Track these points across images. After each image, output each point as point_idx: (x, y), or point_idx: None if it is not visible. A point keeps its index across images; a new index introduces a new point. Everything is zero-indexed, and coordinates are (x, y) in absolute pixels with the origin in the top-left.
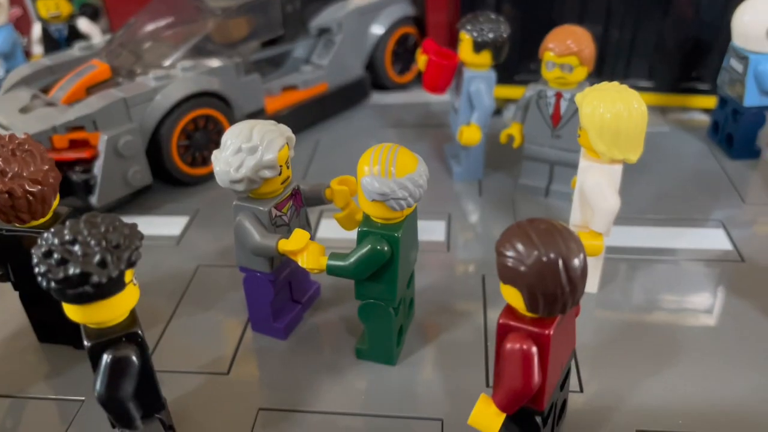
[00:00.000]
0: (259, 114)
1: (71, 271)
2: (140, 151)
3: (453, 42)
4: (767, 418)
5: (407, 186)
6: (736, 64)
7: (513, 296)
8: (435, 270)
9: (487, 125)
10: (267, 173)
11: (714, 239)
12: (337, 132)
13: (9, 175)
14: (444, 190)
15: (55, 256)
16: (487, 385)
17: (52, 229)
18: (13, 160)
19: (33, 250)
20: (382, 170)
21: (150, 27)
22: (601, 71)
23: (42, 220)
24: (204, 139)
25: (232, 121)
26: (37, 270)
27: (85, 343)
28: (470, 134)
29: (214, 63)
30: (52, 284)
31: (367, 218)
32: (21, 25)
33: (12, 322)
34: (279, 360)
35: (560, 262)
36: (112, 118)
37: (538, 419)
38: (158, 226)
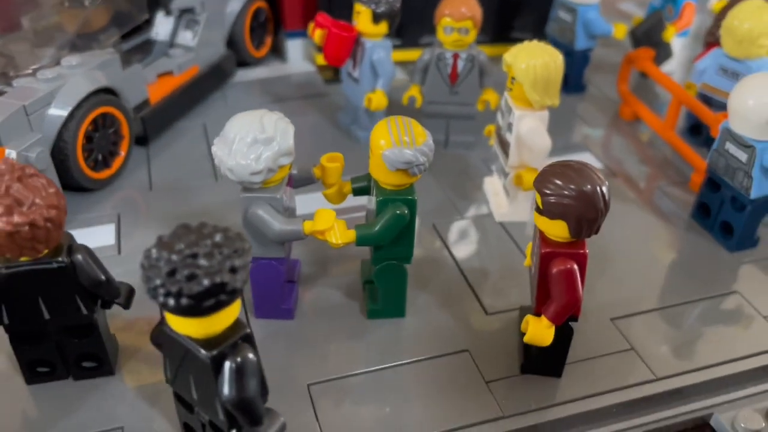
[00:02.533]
0: (144, 105)
1: (206, 282)
2: (50, 163)
3: (311, 11)
4: (677, 284)
5: (426, 152)
6: (565, 15)
7: (557, 227)
8: None
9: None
10: (284, 160)
11: (587, 160)
12: (219, 113)
13: (26, 205)
14: (354, 156)
15: (184, 272)
16: (486, 313)
17: (156, 248)
18: (23, 188)
19: (150, 274)
20: (404, 141)
21: (10, 22)
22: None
23: (47, 250)
24: (104, 139)
25: (128, 117)
26: (163, 291)
27: (203, 354)
28: (378, 100)
29: (98, 57)
30: (184, 300)
31: (379, 188)
32: None
33: None
34: (298, 338)
35: (598, 190)
36: (15, 129)
37: (573, 324)
38: (86, 239)
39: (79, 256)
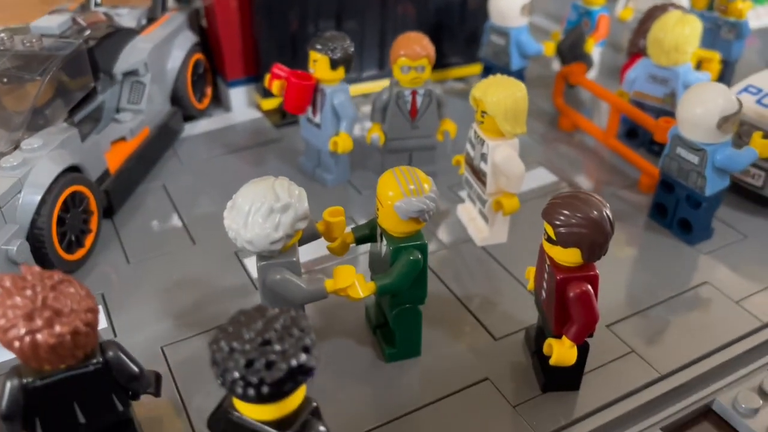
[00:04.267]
0: (105, 176)
1: (284, 367)
2: (30, 254)
3: (251, 59)
4: (649, 285)
5: (433, 198)
6: (497, 39)
7: (571, 255)
8: None
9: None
10: (301, 225)
11: (542, 177)
12: (177, 174)
13: (65, 315)
14: (325, 199)
15: (262, 360)
16: (494, 339)
17: (224, 342)
18: (60, 296)
19: (227, 367)
20: (414, 191)
21: None
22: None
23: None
24: (76, 218)
25: (94, 192)
26: (242, 383)
27: None
28: (344, 143)
29: (59, 134)
30: (266, 389)
31: (389, 236)
32: None
33: None
34: (328, 394)
35: (605, 215)
36: None
37: (588, 340)
38: None
39: (111, 353)
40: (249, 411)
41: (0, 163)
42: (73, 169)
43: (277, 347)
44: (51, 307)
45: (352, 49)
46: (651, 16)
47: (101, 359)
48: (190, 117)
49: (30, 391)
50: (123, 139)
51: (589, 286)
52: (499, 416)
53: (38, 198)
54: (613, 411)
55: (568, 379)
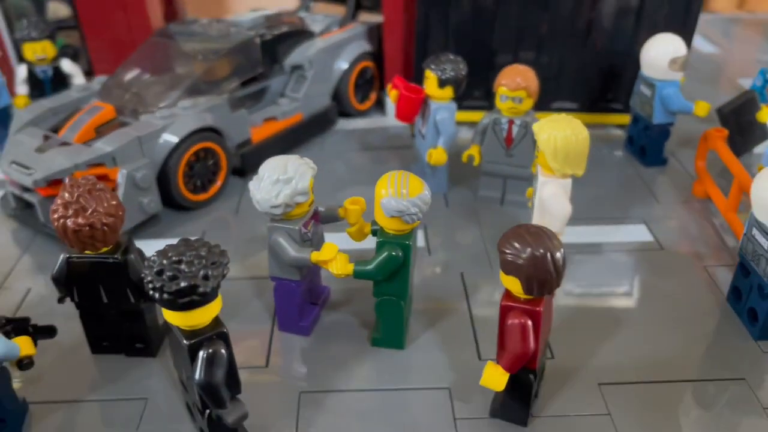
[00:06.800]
0: (246, 144)
1: (182, 284)
2: (153, 182)
3: (407, 73)
4: (685, 361)
5: (418, 204)
6: (645, 89)
7: (513, 283)
8: (422, 270)
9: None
10: (300, 199)
11: (637, 233)
12: (312, 156)
13: (89, 211)
14: None
15: (167, 273)
16: (479, 359)
17: (156, 253)
18: (90, 198)
19: (145, 271)
20: (398, 192)
21: (145, 69)
22: None
23: (107, 248)
24: (204, 168)
25: (227, 152)
26: (150, 285)
27: (184, 342)
28: (438, 156)
29: (210, 101)
30: (165, 296)
31: (382, 231)
32: (1, 64)
33: (64, 337)
34: (308, 352)
35: (548, 255)
36: (129, 154)
37: (531, 376)
38: None
39: (132, 256)
40: (168, 316)
41: (156, 114)
42: (212, 131)
43: (184, 267)
44: (80, 204)
45: (464, 72)
46: None
47: (122, 258)
48: (348, 114)
49: (70, 264)
50: (274, 118)
51: (529, 320)
52: (435, 423)
53: (172, 144)
54: None
55: (513, 411)
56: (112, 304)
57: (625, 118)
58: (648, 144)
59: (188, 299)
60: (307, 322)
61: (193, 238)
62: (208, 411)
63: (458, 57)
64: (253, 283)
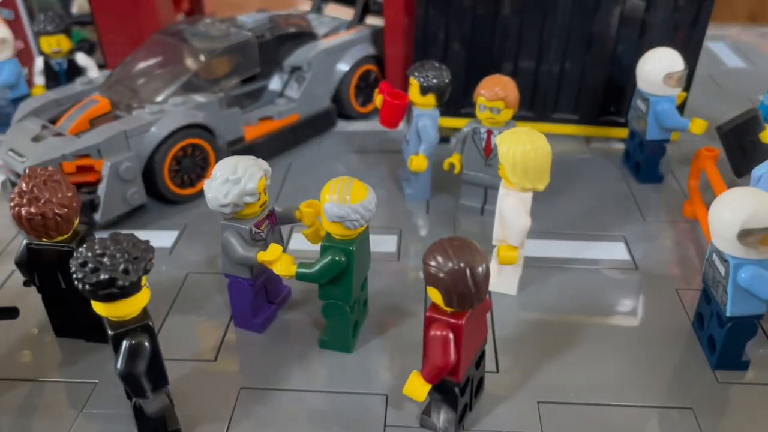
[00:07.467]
0: (239, 141)
1: (102, 276)
2: (138, 175)
3: (407, 78)
4: (633, 385)
5: (359, 210)
6: (640, 104)
7: (435, 295)
8: (387, 276)
9: (433, 155)
10: (248, 199)
11: (615, 251)
12: (307, 157)
13: (42, 201)
14: (397, 208)
15: (90, 265)
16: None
17: (85, 245)
18: (44, 188)
19: (71, 261)
20: (340, 198)
21: (143, 65)
22: (533, 105)
23: (65, 237)
24: (191, 164)
25: (216, 149)
26: (74, 276)
27: (109, 332)
28: (418, 163)
29: (201, 98)
30: (87, 287)
31: (328, 235)
32: (22, 57)
33: (33, 318)
34: (257, 349)
35: (468, 270)
36: (115, 147)
37: (456, 389)
38: (152, 238)
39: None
40: (95, 306)
41: (146, 109)
42: (202, 128)
43: (106, 260)
44: (33, 194)
45: (447, 81)
46: None
47: (76, 247)
48: (349, 116)
49: (30, 250)
50: (270, 118)
51: (451, 333)
52: (365, 429)
53: (158, 139)
54: None
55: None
56: (70, 290)
57: (622, 132)
58: (642, 160)
59: (107, 291)
60: (260, 319)
61: (123, 233)
62: (133, 399)
63: (443, 65)
64: (220, 278)
